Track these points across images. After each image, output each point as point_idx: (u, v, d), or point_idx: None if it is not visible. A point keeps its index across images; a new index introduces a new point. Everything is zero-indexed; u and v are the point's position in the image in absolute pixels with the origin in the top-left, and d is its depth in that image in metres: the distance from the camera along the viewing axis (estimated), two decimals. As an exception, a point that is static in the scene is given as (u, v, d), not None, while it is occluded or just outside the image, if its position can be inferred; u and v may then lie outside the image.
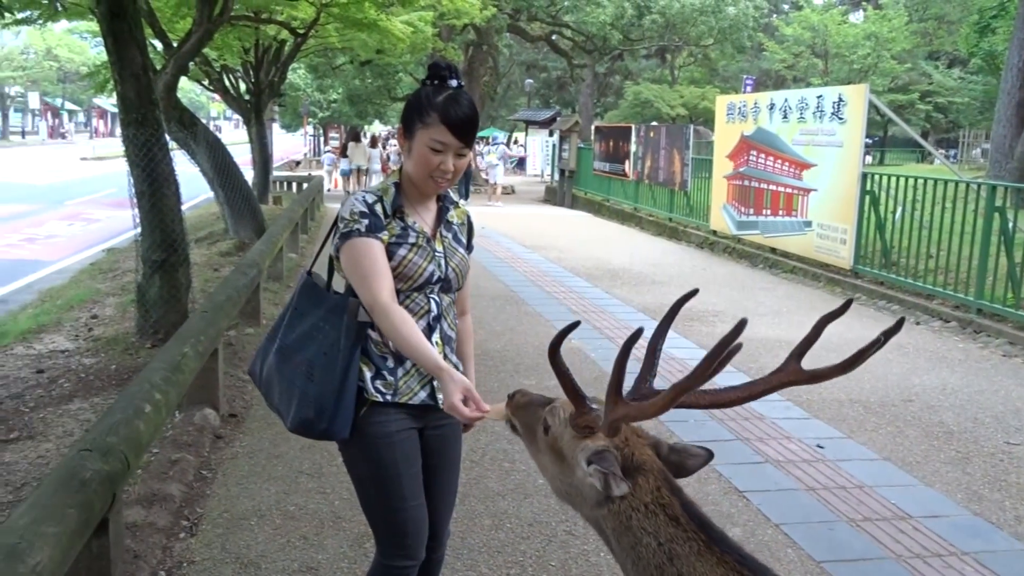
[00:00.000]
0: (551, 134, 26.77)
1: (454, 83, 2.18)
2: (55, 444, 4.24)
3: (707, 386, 1.72)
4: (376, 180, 24.16)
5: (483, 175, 23.88)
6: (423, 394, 2.26)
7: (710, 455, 1.72)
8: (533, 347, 6.72)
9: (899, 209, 9.78)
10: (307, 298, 2.29)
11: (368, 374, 2.20)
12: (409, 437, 2.26)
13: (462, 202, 2.46)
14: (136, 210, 6.10)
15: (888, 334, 1.55)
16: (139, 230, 6.16)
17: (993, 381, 6.19)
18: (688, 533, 1.52)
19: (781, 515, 3.86)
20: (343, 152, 26.10)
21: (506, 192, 24.92)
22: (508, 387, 5.72)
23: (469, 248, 2.42)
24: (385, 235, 2.18)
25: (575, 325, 1.75)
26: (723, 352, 1.50)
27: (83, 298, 8.42)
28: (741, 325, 1.50)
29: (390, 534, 2.27)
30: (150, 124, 5.95)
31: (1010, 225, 8.03)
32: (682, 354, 6.58)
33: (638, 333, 1.56)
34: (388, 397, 2.21)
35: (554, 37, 28.64)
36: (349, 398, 2.17)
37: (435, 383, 2.25)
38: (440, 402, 2.21)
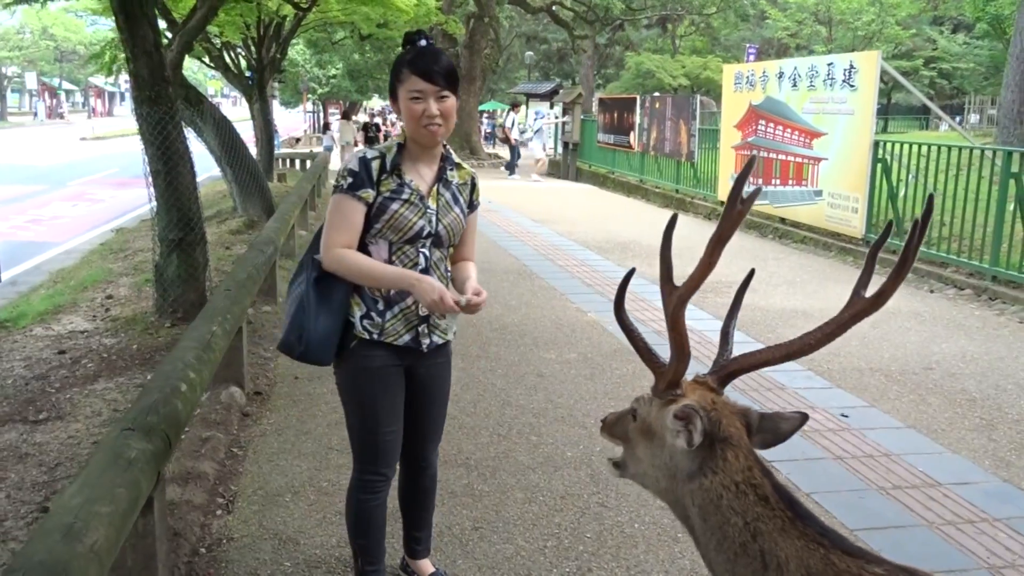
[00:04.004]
0: (552, 106, 26.56)
1: (423, 43, 2.41)
2: (84, 424, 4.25)
3: (772, 341, 1.71)
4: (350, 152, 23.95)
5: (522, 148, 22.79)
6: (407, 337, 2.50)
7: (804, 417, 1.70)
8: (550, 320, 6.72)
9: (909, 176, 9.73)
10: (317, 241, 2.54)
11: (359, 313, 2.46)
12: (391, 373, 2.52)
13: (468, 167, 2.66)
14: (151, 189, 6.07)
15: (925, 218, 1.60)
16: (155, 209, 6.14)
17: (1012, 348, 6.19)
18: (775, 511, 1.51)
19: (811, 484, 3.87)
20: (325, 128, 26.01)
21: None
22: (528, 360, 5.74)
23: (472, 206, 2.62)
24: (370, 193, 2.40)
25: (631, 274, 1.85)
26: (740, 188, 1.64)
27: (96, 278, 8.41)
28: (752, 161, 1.77)
29: (364, 452, 2.60)
30: (164, 101, 5.91)
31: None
32: (699, 325, 6.56)
33: (674, 219, 1.73)
34: (375, 336, 2.47)
35: (555, 8, 28.34)
36: (324, 330, 2.44)
37: (419, 328, 2.51)
38: (424, 346, 2.52)
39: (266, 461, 3.95)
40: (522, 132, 21.22)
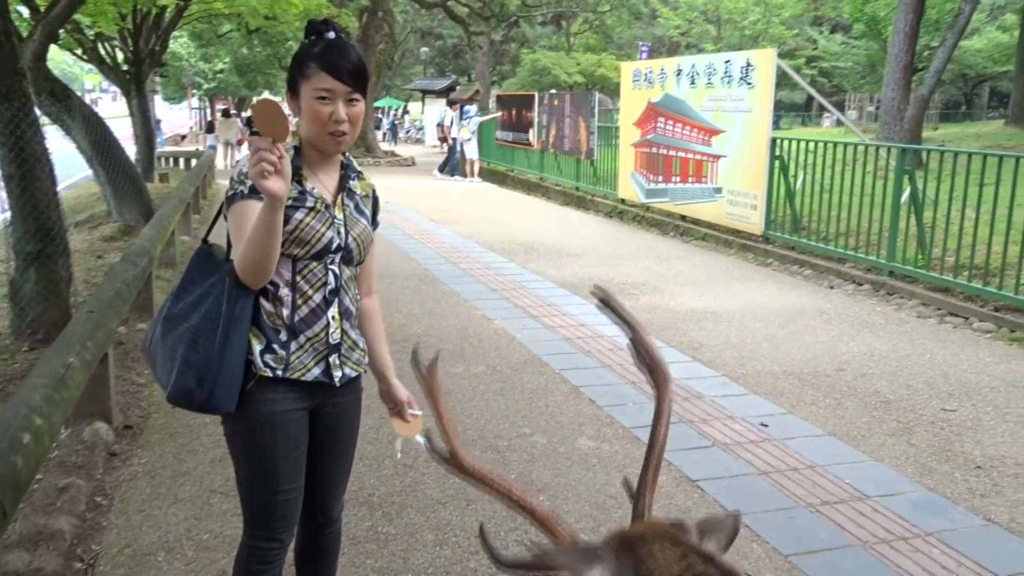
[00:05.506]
0: (449, 104, 26.16)
1: (331, 35, 2.11)
2: (-84, 475, 3.63)
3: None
4: (240, 153, 22.94)
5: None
6: (317, 371, 2.14)
7: (736, 520, 1.25)
8: (456, 330, 6.36)
9: (802, 174, 9.87)
10: (199, 266, 2.16)
11: (258, 347, 2.08)
12: (296, 420, 2.16)
13: (368, 178, 2.33)
14: (4, 195, 5.40)
15: None
16: (9, 218, 5.47)
17: (916, 345, 6.20)
18: None
19: (738, 504, 3.65)
20: (210, 128, 25.03)
21: (406, 164, 24.25)
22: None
23: (374, 224, 2.32)
24: None
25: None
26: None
27: (-54, 294, 7.53)
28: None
29: (258, 515, 2.20)
30: (16, 97, 5.25)
31: (919, 187, 8.14)
32: (609, 331, 6.35)
33: None
34: (278, 372, 2.09)
35: (450, 3, 27.90)
36: (231, 368, 2.04)
37: (330, 359, 2.14)
38: (336, 380, 2.16)
39: (136, 511, 3.44)
40: (472, 132, 19.82)
